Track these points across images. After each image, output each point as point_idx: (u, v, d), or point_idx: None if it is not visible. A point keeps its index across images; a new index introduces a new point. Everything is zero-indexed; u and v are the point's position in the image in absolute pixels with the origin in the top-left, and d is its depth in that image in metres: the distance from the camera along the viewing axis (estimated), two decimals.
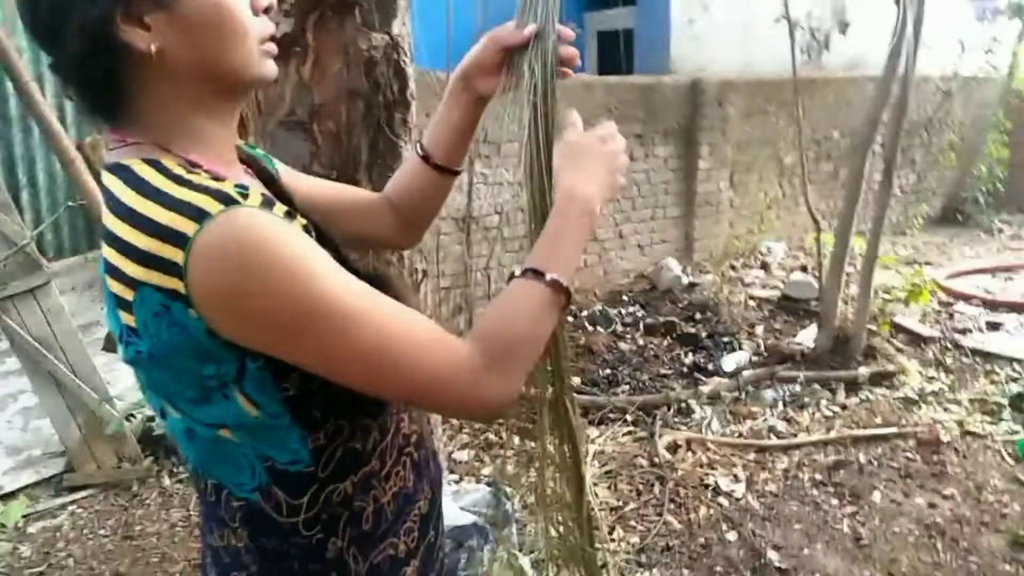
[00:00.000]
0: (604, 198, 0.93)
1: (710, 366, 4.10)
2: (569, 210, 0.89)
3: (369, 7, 1.61)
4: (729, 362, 4.09)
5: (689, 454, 3.08)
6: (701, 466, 2.99)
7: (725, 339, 4.50)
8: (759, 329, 4.69)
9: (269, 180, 0.92)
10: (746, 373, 3.84)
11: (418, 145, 1.11)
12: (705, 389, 3.65)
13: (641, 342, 4.56)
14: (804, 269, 5.87)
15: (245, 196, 0.70)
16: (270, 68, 0.80)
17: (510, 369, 0.79)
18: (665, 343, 4.54)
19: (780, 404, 3.58)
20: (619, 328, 4.80)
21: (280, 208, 0.74)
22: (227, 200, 0.67)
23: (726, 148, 6.19)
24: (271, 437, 0.77)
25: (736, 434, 3.29)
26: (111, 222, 0.70)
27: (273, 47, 0.79)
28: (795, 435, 3.28)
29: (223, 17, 0.73)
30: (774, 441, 3.22)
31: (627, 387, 3.86)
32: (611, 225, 5.70)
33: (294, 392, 0.75)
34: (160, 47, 0.71)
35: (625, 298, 5.42)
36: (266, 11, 0.79)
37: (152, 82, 0.73)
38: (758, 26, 6.29)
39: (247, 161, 0.91)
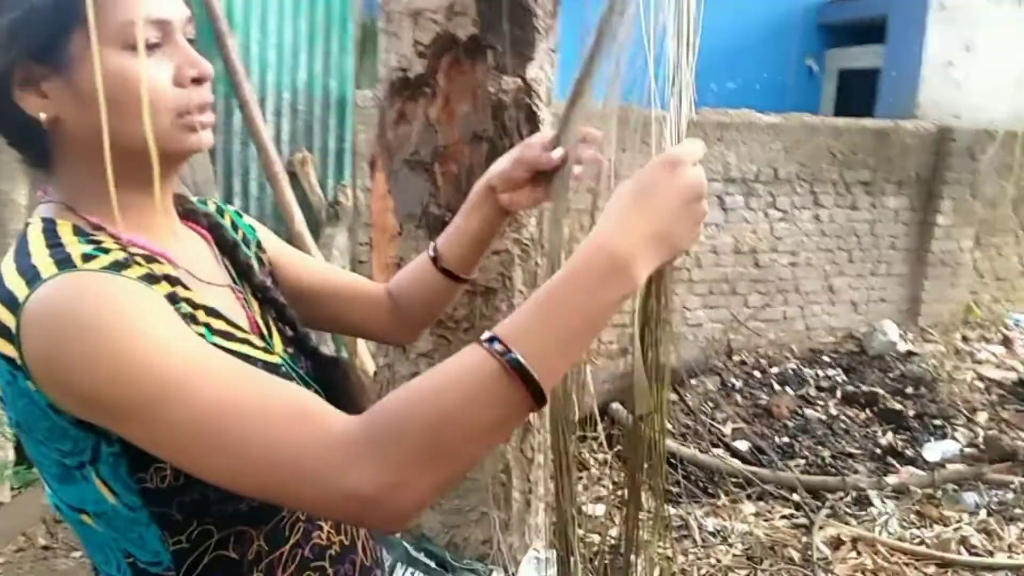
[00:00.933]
0: (657, 256, 0.67)
1: (909, 452, 3.59)
2: (588, 266, 0.65)
3: (503, 50, 1.57)
4: (934, 451, 3.56)
5: (853, 554, 2.71)
6: (863, 572, 2.61)
7: (936, 422, 3.93)
8: (981, 416, 4.04)
9: (224, 241, 0.88)
10: (949, 467, 3.31)
11: (431, 246, 1.03)
12: (893, 479, 3.20)
13: (833, 411, 4.12)
14: None
15: (89, 259, 0.65)
16: (190, 143, 0.73)
17: (406, 459, 0.59)
18: (862, 416, 4.06)
19: (983, 512, 3.04)
20: (811, 392, 4.38)
21: (135, 271, 0.67)
22: (64, 264, 0.64)
23: (973, 204, 5.44)
24: (130, 531, 0.70)
25: (917, 540, 2.84)
26: None
27: (202, 118, 0.73)
28: (992, 553, 2.77)
29: (122, 91, 0.67)
30: (964, 556, 2.73)
31: (802, 461, 3.49)
32: (820, 276, 5.23)
33: (152, 485, 0.67)
34: (56, 115, 0.69)
35: (826, 359, 4.94)
36: (197, 81, 0.72)
37: (58, 144, 0.71)
38: None
39: (194, 219, 0.87)
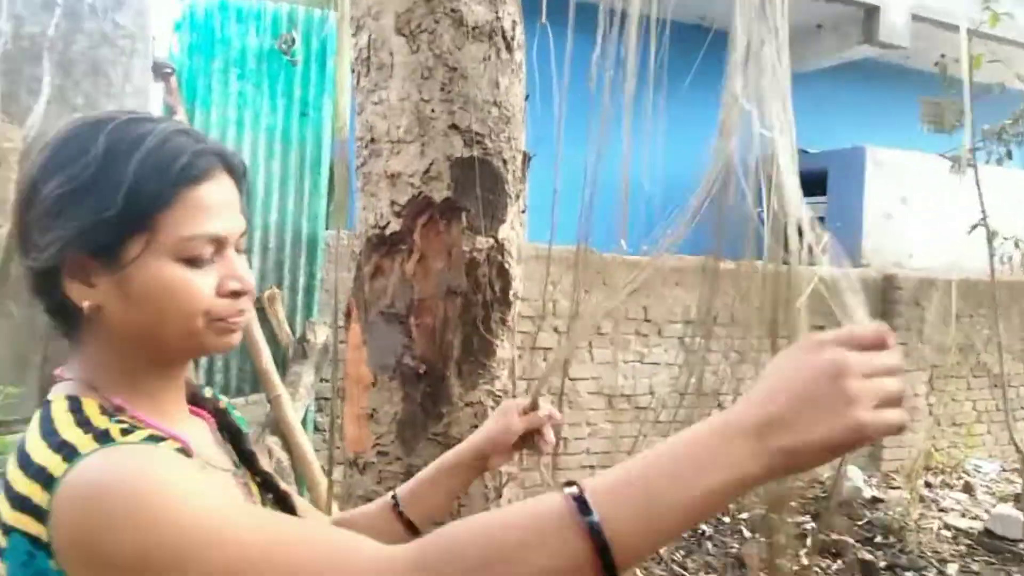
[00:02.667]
0: (782, 451, 0.57)
1: None
2: (707, 447, 0.58)
3: (476, 212, 1.65)
4: None
5: None
6: None
7: (908, 574, 3.87)
8: (952, 568, 4.00)
9: (235, 432, 0.91)
10: None
11: (392, 494, 1.04)
12: None
13: (806, 562, 4.04)
14: (1018, 499, 5.02)
15: (128, 432, 0.67)
16: (221, 343, 0.78)
17: None
18: (834, 568, 3.99)
19: None
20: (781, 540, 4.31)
21: (170, 445, 0.70)
22: (102, 438, 0.65)
23: (923, 351, 5.62)
24: None
25: None
26: (10, 462, 0.69)
27: (232, 324, 0.77)
28: None
29: (169, 299, 0.72)
30: None
31: None
32: None
33: None
34: (99, 305, 0.73)
35: (794, 504, 4.90)
36: (236, 295, 0.77)
37: (95, 328, 0.75)
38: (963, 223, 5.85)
39: (200, 404, 0.90)
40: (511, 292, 1.73)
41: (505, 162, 1.67)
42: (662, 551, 3.82)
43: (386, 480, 1.65)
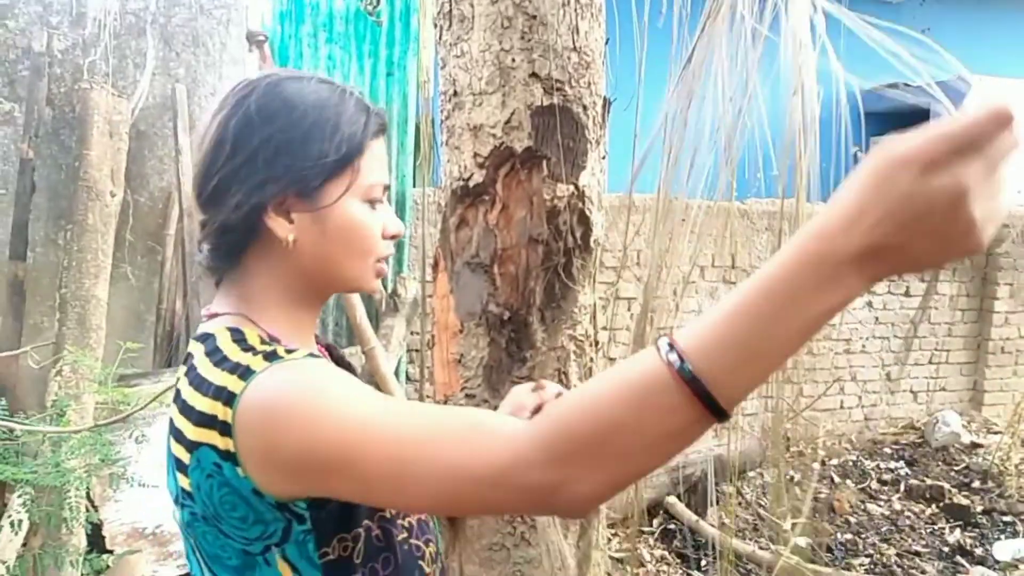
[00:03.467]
0: (888, 268, 0.55)
1: (979, 550, 3.44)
2: (794, 275, 0.55)
3: (557, 160, 1.69)
4: (1004, 549, 3.40)
5: None
6: None
7: (1006, 519, 3.77)
8: None
9: (340, 361, 1.00)
10: (1023, 568, 3.16)
11: None
12: None
13: (897, 506, 3.99)
14: None
15: (291, 352, 0.76)
16: (375, 284, 0.89)
17: (572, 458, 0.61)
18: (928, 512, 3.92)
19: None
20: (873, 486, 4.25)
21: (327, 360, 0.81)
22: (272, 357, 0.74)
23: None
24: None
25: None
26: (183, 387, 0.79)
27: (384, 267, 0.89)
28: None
29: (358, 233, 0.84)
30: None
31: (867, 560, 3.37)
32: (878, 364, 5.14)
33: (334, 556, 0.78)
34: (296, 239, 0.81)
35: (887, 450, 4.80)
36: (393, 237, 0.89)
37: (270, 263, 0.83)
38: None
39: (323, 346, 0.99)
40: (592, 239, 1.76)
41: (585, 108, 1.69)
42: (749, 497, 3.83)
43: None
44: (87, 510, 2.59)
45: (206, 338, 0.81)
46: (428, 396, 3.69)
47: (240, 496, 0.73)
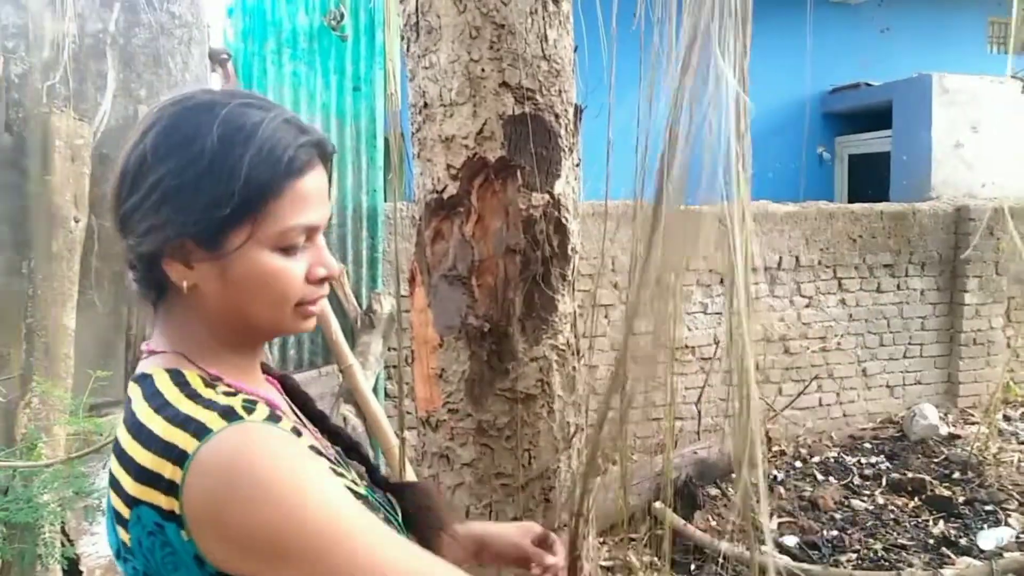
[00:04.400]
0: None
1: (963, 541, 3.47)
2: None
3: (531, 169, 1.67)
4: (988, 539, 3.44)
5: None
6: None
7: (987, 508, 3.81)
8: None
9: (295, 392, 0.94)
10: (1008, 556, 3.19)
11: None
12: (950, 572, 3.08)
13: (881, 501, 4.01)
14: None
15: (251, 411, 0.71)
16: (303, 326, 0.81)
17: None
18: (911, 505, 3.95)
19: None
20: (855, 481, 4.28)
21: (287, 423, 0.75)
22: (230, 415, 0.68)
23: (1000, 282, 5.43)
24: None
25: None
26: (121, 434, 0.72)
27: (314, 309, 0.81)
28: None
29: (264, 285, 0.75)
30: None
31: (854, 555, 3.38)
32: (854, 361, 5.19)
33: None
34: (195, 285, 0.75)
35: (867, 445, 4.84)
36: (321, 281, 0.80)
37: (188, 304, 0.77)
38: None
39: (279, 379, 0.94)
40: (569, 247, 1.75)
41: (557, 116, 1.68)
42: (732, 497, 3.83)
43: (458, 436, 1.71)
44: (62, 544, 2.51)
45: (143, 379, 0.76)
46: (409, 412, 3.65)
47: (181, 560, 0.68)
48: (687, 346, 4.74)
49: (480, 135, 1.64)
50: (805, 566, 3.11)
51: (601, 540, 3.30)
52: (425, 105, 1.71)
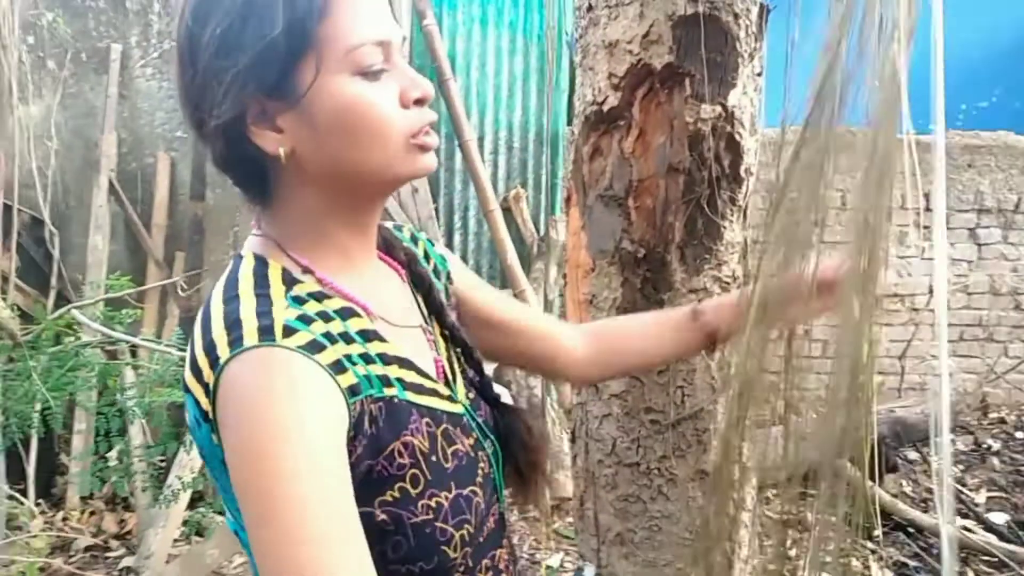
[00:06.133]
0: None
1: None
2: None
3: (702, 77, 1.49)
4: None
5: None
6: None
7: None
8: None
9: (419, 279, 0.88)
10: None
11: (692, 307, 1.08)
12: None
13: None
14: None
15: (292, 333, 0.65)
16: (421, 165, 0.73)
17: None
18: None
19: None
20: None
21: (328, 355, 0.66)
22: (266, 334, 0.64)
23: None
24: None
25: None
26: (202, 310, 0.71)
27: (428, 140, 0.72)
28: None
29: (357, 118, 0.68)
30: None
31: None
32: None
33: None
34: (292, 149, 0.69)
35: None
36: (419, 102, 0.72)
37: (287, 181, 0.72)
38: None
39: (392, 253, 0.87)
40: (743, 167, 1.56)
41: (736, 16, 1.47)
42: (933, 462, 3.45)
43: None
44: None
45: (236, 259, 0.74)
46: None
47: (216, 460, 0.66)
48: (896, 294, 4.26)
49: (646, 39, 1.48)
50: (1011, 547, 2.72)
51: (775, 492, 3.10)
52: (589, 8, 1.57)
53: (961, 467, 3.55)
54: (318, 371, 0.64)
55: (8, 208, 3.57)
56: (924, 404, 3.37)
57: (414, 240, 0.95)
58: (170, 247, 3.87)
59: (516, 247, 3.77)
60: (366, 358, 0.71)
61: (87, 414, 3.19)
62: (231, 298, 0.69)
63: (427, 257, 0.95)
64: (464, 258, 3.92)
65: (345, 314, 0.73)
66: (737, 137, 1.52)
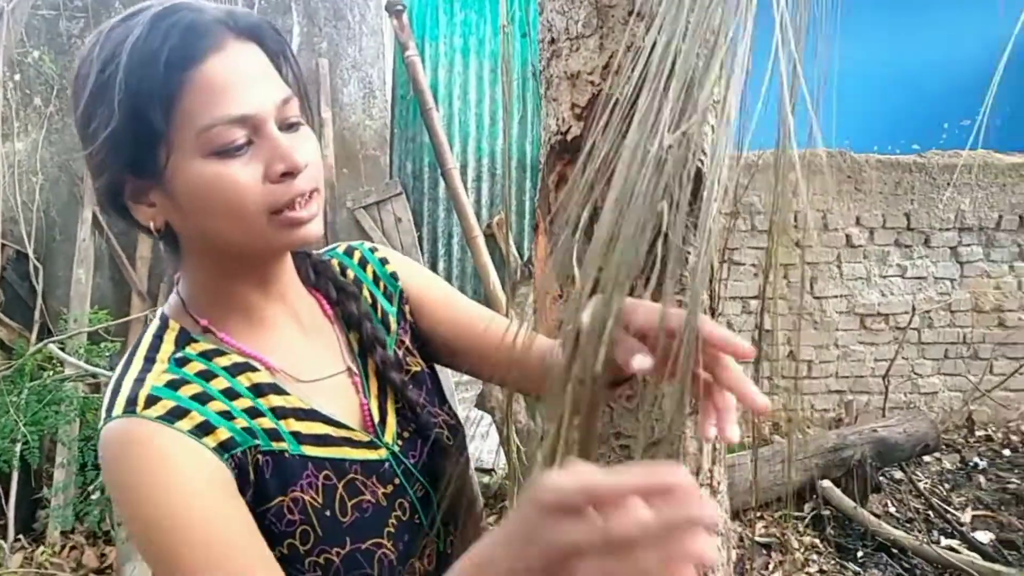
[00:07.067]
0: None
1: None
2: None
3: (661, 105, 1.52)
4: None
5: None
6: None
7: None
8: None
9: (348, 316, 0.85)
10: None
11: None
12: None
13: None
14: None
15: (152, 404, 0.67)
16: (293, 237, 0.70)
17: None
18: None
19: None
20: None
21: (196, 417, 0.68)
22: (130, 405, 0.67)
23: None
24: None
25: None
26: None
27: (301, 213, 0.69)
28: None
29: (213, 197, 0.66)
30: None
31: None
32: None
33: None
34: (165, 223, 0.71)
35: None
36: (287, 175, 0.68)
37: (182, 247, 0.74)
38: None
39: (323, 290, 0.86)
40: (704, 193, 1.58)
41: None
42: (922, 485, 3.45)
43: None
44: None
45: (158, 316, 0.78)
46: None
47: None
48: (879, 313, 4.28)
49: (606, 70, 1.51)
50: (996, 567, 2.72)
51: (759, 515, 3.09)
52: (552, 40, 1.60)
53: (947, 486, 3.55)
54: (176, 437, 0.66)
55: None
56: (908, 423, 3.38)
57: (362, 263, 0.92)
58: (153, 280, 3.88)
59: (500, 272, 3.79)
60: (252, 412, 0.72)
61: (66, 448, 3.17)
62: (128, 360, 0.73)
63: (376, 280, 0.92)
64: (449, 280, 3.94)
65: (236, 370, 0.74)
66: (699, 164, 1.55)
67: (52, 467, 3.32)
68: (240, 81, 0.66)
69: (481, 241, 3.62)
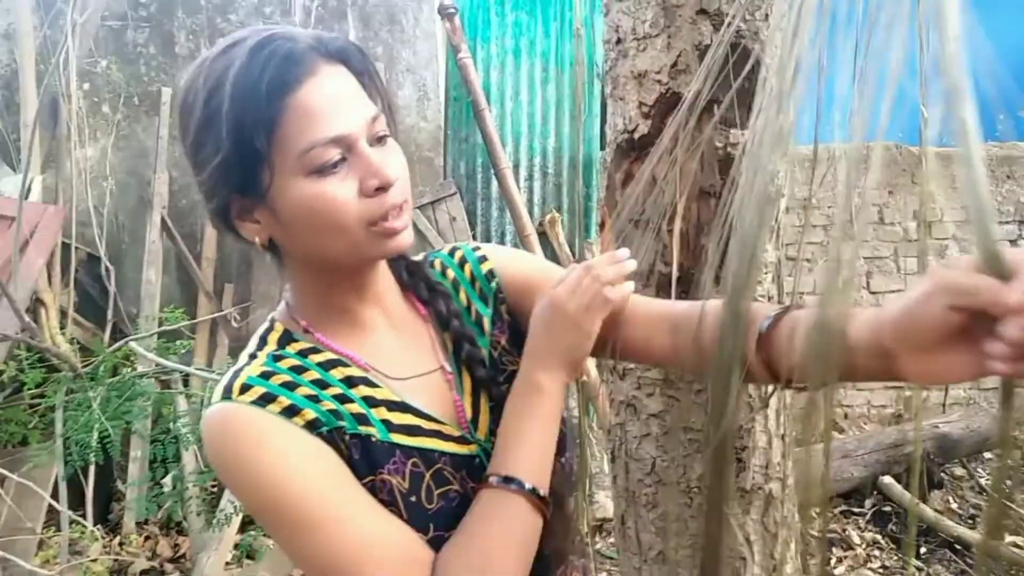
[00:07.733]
0: (566, 367, 0.83)
1: None
2: (522, 397, 0.83)
3: (730, 103, 1.54)
4: None
5: None
6: None
7: None
8: None
9: (440, 317, 0.89)
10: None
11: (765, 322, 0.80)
12: None
13: None
14: None
15: (247, 390, 0.74)
16: (388, 247, 0.76)
17: None
18: None
19: None
20: None
21: (284, 400, 0.74)
22: (227, 392, 0.74)
23: None
24: None
25: None
26: None
27: (395, 223, 0.75)
28: None
29: (315, 214, 0.72)
30: None
31: None
32: None
33: None
34: (269, 236, 0.77)
35: None
36: (380, 190, 0.73)
37: (284, 259, 0.81)
38: None
39: (417, 290, 0.90)
40: (772, 188, 1.60)
41: (763, 43, 1.53)
42: (984, 482, 3.38)
43: (645, 386, 1.66)
44: None
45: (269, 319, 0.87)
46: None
47: None
48: None
49: (674, 68, 1.54)
50: None
51: (817, 510, 3.07)
52: (618, 40, 1.64)
53: (1011, 482, 3.48)
54: (266, 416, 0.73)
55: (67, 246, 3.74)
56: (969, 419, 3.33)
57: (461, 263, 0.96)
58: (219, 279, 4.01)
59: None
60: (341, 398, 0.78)
61: (142, 441, 3.30)
62: (238, 358, 0.82)
63: (472, 281, 0.95)
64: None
65: (329, 365, 0.80)
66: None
67: (127, 461, 3.47)
68: (333, 103, 0.72)
69: (534, 239, 3.66)
